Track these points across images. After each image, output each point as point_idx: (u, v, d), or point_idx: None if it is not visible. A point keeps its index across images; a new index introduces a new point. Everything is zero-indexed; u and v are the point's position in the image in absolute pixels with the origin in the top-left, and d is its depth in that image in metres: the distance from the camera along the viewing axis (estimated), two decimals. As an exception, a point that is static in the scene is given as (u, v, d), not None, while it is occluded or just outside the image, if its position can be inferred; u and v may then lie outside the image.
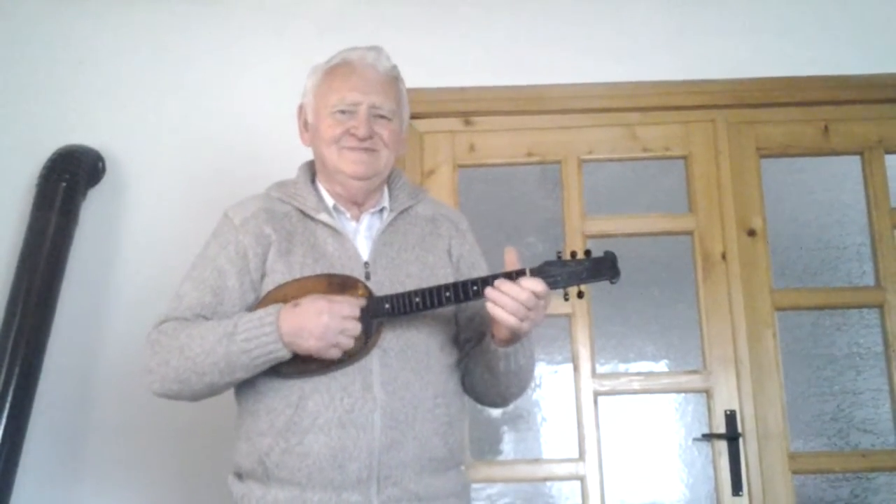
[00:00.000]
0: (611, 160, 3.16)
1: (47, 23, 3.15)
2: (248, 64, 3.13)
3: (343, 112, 1.88)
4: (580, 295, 1.72)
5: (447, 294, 1.72)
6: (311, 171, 2.00)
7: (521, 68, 3.11)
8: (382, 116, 1.89)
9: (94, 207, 3.01)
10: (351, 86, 1.88)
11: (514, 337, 1.74)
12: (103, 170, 3.03)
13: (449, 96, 2.99)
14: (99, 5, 3.16)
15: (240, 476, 1.82)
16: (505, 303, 1.66)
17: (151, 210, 3.02)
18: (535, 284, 1.67)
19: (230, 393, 1.87)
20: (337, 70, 1.92)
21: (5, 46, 3.14)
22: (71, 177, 2.91)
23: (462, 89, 3.06)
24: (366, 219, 1.92)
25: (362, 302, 1.73)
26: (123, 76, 3.12)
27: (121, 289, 2.95)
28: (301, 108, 1.99)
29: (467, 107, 3.12)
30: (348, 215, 1.92)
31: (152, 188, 3.03)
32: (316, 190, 1.94)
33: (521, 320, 1.68)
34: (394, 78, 1.95)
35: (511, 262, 1.73)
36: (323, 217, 1.87)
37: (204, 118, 3.08)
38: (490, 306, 1.68)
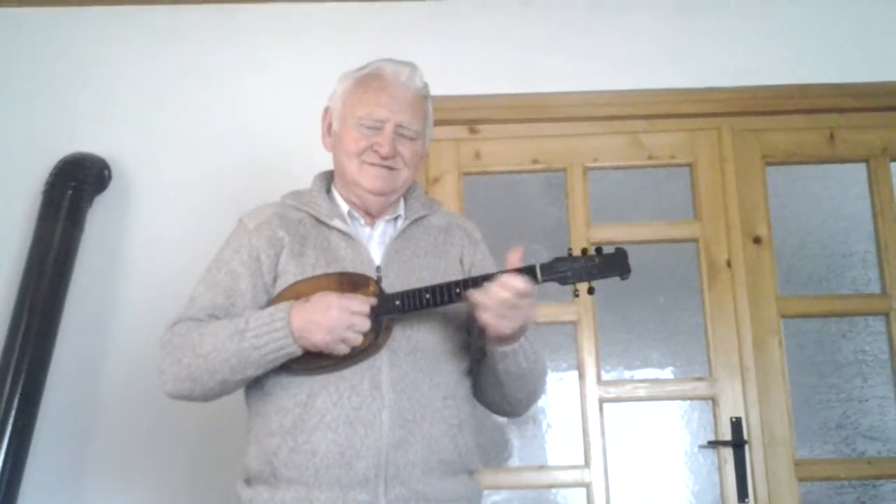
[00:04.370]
0: (616, 168, 3.17)
1: (53, 31, 3.17)
2: (254, 71, 3.14)
3: (369, 127, 1.89)
4: (591, 291, 1.72)
5: (457, 290, 1.73)
6: (326, 181, 2.02)
7: (526, 76, 3.12)
8: (407, 135, 1.91)
9: (100, 215, 3.02)
10: (380, 102, 1.89)
11: (504, 337, 1.74)
12: (109, 177, 3.04)
13: (454, 104, 2.98)
14: (105, 14, 3.17)
15: (248, 481, 1.82)
16: (483, 301, 1.68)
17: (157, 217, 3.02)
18: (518, 282, 1.67)
19: (239, 396, 1.88)
20: (369, 82, 1.92)
21: (12, 55, 3.16)
22: (77, 184, 2.92)
23: (467, 97, 3.06)
24: (380, 225, 1.94)
25: (373, 300, 1.74)
26: (129, 84, 3.13)
27: (127, 295, 2.96)
28: (327, 112, 2.00)
29: (472, 114, 3.12)
30: (362, 221, 1.94)
31: (158, 195, 3.04)
32: (331, 199, 1.96)
33: (500, 318, 1.68)
34: (423, 97, 1.96)
35: (513, 261, 1.73)
36: (336, 223, 1.89)
37: (210, 125, 3.09)
38: (474, 306, 1.70)
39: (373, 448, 1.71)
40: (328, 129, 1.99)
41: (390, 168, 1.89)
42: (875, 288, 3.06)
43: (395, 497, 1.72)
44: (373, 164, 1.89)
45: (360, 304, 1.71)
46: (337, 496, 1.71)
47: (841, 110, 3.13)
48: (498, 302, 1.67)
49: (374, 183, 1.89)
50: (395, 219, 1.97)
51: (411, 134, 1.91)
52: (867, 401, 2.98)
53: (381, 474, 1.72)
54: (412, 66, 1.94)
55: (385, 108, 1.89)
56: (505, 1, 3.19)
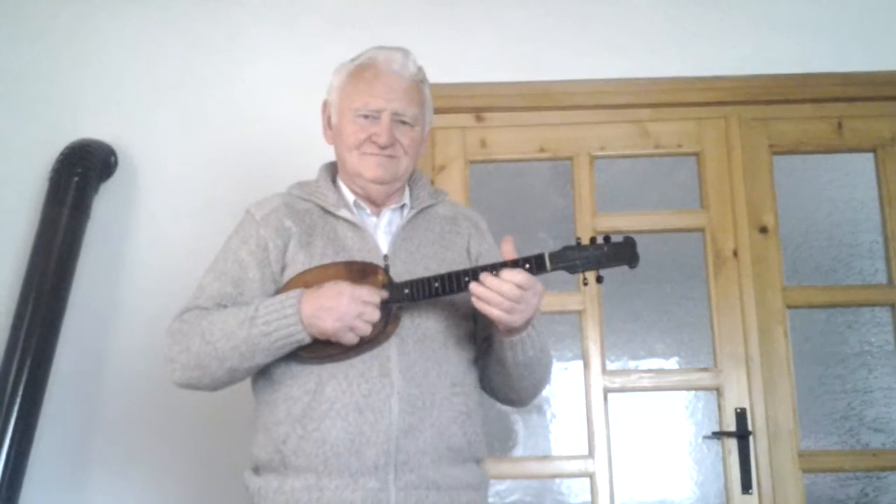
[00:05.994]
0: (622, 157, 3.15)
1: (59, 17, 3.16)
2: (258, 58, 3.13)
3: (366, 117, 1.89)
4: (599, 279, 1.73)
5: (466, 279, 1.72)
6: (332, 171, 2.02)
7: (532, 64, 3.11)
8: (404, 123, 1.91)
9: (106, 201, 3.02)
10: (375, 92, 1.89)
11: (512, 329, 1.75)
12: (115, 164, 3.04)
13: (460, 92, 2.98)
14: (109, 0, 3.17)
15: (256, 470, 1.83)
16: (487, 296, 1.68)
17: (163, 204, 3.02)
18: (516, 275, 1.68)
19: (246, 388, 1.89)
20: (363, 72, 1.92)
21: (17, 41, 3.15)
22: (83, 171, 2.92)
23: (473, 85, 3.05)
24: (386, 214, 1.95)
25: (384, 292, 1.74)
26: (135, 70, 3.12)
27: (133, 282, 2.96)
28: (325, 105, 2.00)
29: (479, 102, 3.11)
30: (368, 211, 1.94)
31: (164, 182, 3.04)
32: (337, 188, 1.97)
33: (509, 312, 1.69)
34: (419, 82, 1.95)
35: (507, 252, 1.74)
36: (343, 213, 1.90)
37: (215, 112, 3.08)
38: (474, 300, 1.70)
39: (382, 435, 1.72)
40: (328, 123, 2.00)
41: (390, 157, 1.89)
42: (882, 278, 3.05)
43: (404, 484, 1.73)
44: (373, 154, 1.89)
45: (371, 295, 1.72)
46: (347, 483, 1.71)
47: (849, 100, 3.11)
48: (500, 295, 1.67)
49: (375, 172, 1.89)
50: (401, 207, 1.97)
51: (409, 121, 1.91)
52: (872, 392, 2.97)
53: (391, 461, 1.72)
54: (405, 52, 1.94)
55: (380, 97, 1.88)
56: (511, -12, 3.18)
